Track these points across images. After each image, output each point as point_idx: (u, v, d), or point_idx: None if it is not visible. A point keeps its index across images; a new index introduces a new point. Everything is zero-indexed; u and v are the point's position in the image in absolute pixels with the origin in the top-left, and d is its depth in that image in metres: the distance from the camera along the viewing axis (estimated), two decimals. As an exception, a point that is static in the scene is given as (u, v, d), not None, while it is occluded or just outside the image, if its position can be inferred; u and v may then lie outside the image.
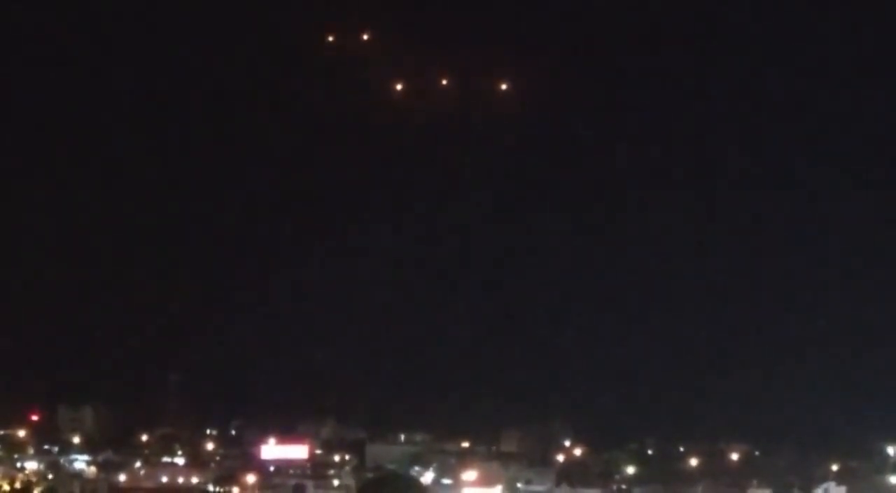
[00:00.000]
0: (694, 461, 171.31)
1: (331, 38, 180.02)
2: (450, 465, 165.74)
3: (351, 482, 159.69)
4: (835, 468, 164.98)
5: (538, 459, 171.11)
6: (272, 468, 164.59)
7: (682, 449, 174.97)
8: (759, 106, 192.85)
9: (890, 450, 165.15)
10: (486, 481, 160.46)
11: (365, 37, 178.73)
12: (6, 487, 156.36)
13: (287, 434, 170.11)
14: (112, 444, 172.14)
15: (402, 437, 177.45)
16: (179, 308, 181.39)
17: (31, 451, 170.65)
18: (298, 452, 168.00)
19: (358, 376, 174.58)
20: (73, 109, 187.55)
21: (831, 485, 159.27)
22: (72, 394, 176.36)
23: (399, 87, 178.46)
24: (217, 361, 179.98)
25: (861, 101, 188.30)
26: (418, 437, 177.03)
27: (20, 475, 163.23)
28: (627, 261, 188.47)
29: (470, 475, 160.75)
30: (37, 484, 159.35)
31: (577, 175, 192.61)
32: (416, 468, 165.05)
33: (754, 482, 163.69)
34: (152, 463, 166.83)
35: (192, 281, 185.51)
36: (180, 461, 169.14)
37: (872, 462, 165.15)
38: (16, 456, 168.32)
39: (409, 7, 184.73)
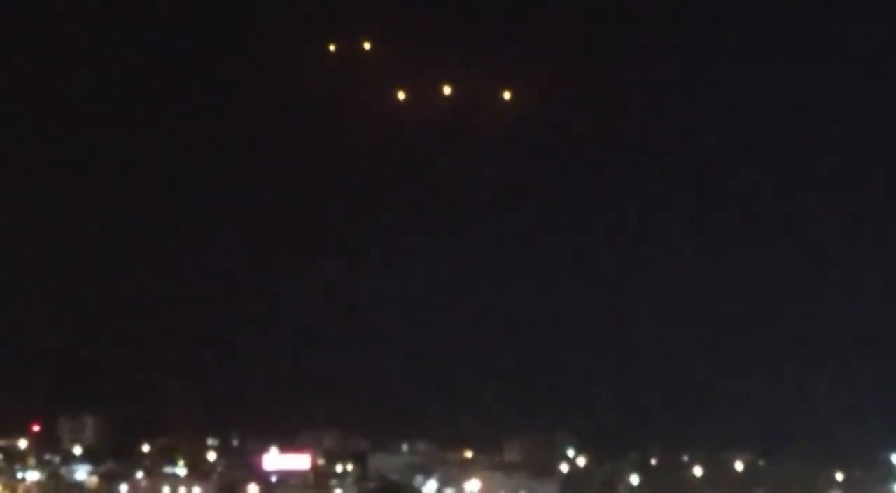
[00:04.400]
0: (698, 471, 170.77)
1: (332, 48, 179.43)
2: (452, 475, 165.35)
3: (353, 492, 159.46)
4: (839, 477, 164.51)
5: (541, 468, 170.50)
6: (274, 479, 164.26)
7: (685, 458, 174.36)
8: (759, 108, 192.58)
9: (895, 460, 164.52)
10: (489, 490, 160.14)
11: (366, 46, 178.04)
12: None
13: (289, 445, 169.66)
14: (113, 454, 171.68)
15: (405, 447, 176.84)
16: (180, 318, 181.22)
17: (32, 461, 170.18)
18: (301, 462, 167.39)
19: (360, 386, 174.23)
20: (72, 107, 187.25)
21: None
22: (73, 404, 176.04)
23: (402, 96, 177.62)
24: (219, 371, 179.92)
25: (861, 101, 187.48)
26: (421, 447, 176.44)
27: (21, 486, 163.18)
28: (629, 267, 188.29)
29: (473, 484, 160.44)
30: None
31: (580, 183, 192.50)
32: (419, 478, 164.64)
33: (758, 491, 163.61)
34: (154, 474, 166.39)
35: (194, 290, 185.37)
36: (182, 471, 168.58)
37: (877, 472, 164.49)
38: (17, 467, 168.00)
39: (409, 13, 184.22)
